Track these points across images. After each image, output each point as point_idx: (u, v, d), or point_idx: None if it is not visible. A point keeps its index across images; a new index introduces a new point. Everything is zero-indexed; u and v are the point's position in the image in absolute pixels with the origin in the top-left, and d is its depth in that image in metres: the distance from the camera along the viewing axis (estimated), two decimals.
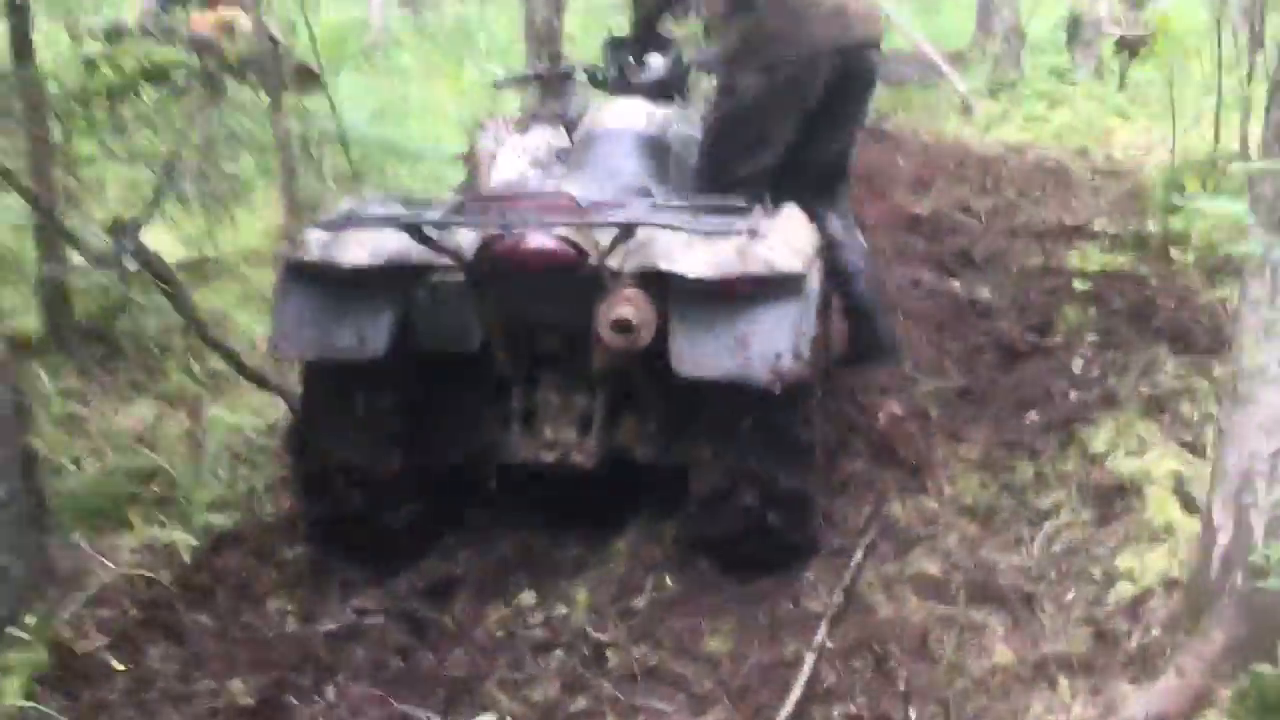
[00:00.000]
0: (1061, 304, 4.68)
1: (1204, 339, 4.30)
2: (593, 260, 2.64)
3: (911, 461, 3.37)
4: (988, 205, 6.70)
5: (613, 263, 2.67)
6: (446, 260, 2.70)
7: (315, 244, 2.74)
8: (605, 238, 2.66)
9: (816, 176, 3.55)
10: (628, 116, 3.53)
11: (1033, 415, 3.72)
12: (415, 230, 2.64)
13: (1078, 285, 4.83)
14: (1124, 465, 3.17)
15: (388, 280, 2.72)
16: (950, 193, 7.04)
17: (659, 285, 2.63)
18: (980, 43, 11.25)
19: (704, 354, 2.59)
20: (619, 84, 3.79)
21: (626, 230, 2.61)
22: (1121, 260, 5.20)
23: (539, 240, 2.63)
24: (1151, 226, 5.98)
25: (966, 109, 9.61)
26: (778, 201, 3.03)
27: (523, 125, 3.92)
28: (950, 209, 6.64)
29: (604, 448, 2.91)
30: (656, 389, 2.81)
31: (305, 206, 5.19)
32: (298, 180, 5.12)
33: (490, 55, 10.45)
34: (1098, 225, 6.00)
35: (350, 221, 2.72)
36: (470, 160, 3.90)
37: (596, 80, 3.96)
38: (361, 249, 2.70)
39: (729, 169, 3.34)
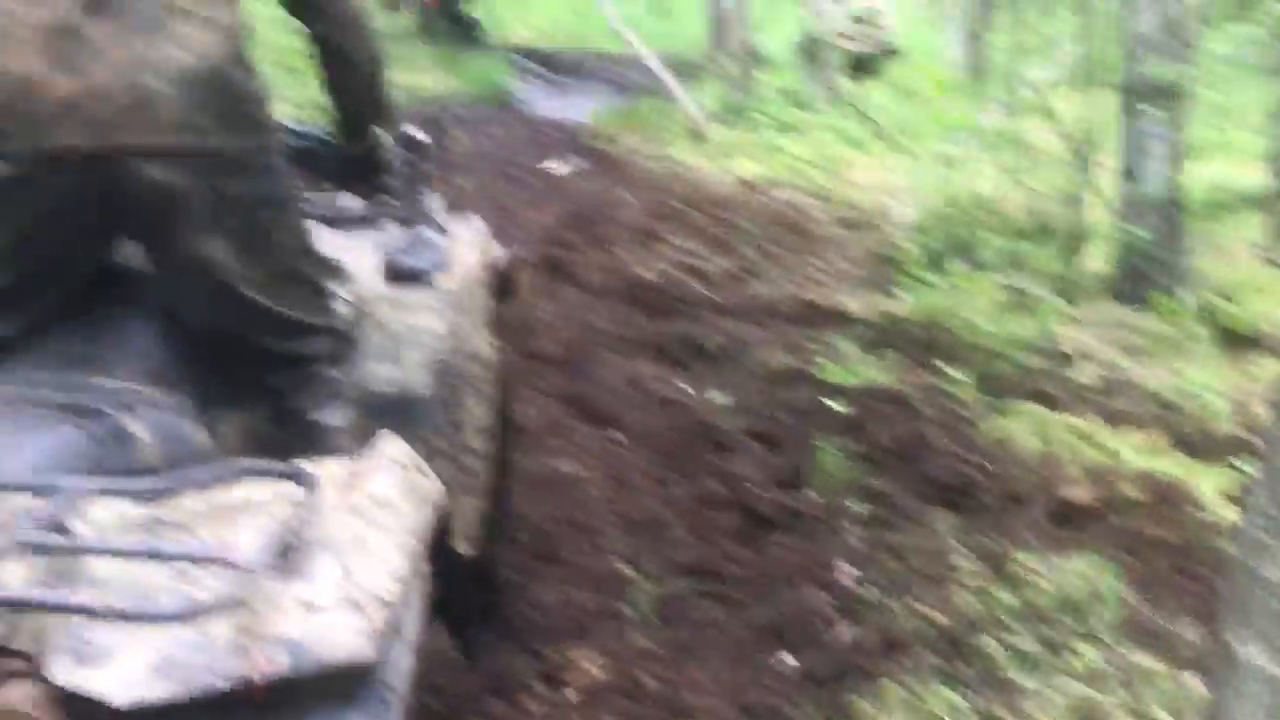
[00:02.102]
0: (815, 437, 3.67)
1: (986, 496, 3.40)
2: None
3: None
4: (723, 268, 5.70)
5: None
6: None
7: None
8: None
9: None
10: None
11: (787, 657, 2.64)
12: None
13: (834, 407, 3.85)
14: None
15: None
16: (681, 248, 6.00)
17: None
18: (714, 56, 10.34)
19: None
20: None
21: None
22: (882, 374, 4.25)
23: None
24: (903, 307, 5.15)
25: (697, 134, 8.67)
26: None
27: None
28: (679, 271, 5.59)
29: None
30: None
31: None
32: None
33: None
34: (848, 305, 5.09)
35: None
36: None
37: None
38: None
39: None
